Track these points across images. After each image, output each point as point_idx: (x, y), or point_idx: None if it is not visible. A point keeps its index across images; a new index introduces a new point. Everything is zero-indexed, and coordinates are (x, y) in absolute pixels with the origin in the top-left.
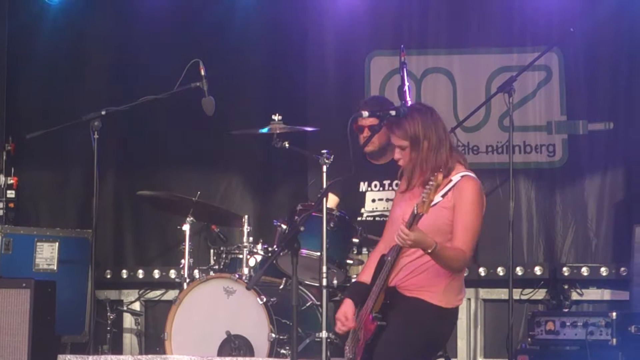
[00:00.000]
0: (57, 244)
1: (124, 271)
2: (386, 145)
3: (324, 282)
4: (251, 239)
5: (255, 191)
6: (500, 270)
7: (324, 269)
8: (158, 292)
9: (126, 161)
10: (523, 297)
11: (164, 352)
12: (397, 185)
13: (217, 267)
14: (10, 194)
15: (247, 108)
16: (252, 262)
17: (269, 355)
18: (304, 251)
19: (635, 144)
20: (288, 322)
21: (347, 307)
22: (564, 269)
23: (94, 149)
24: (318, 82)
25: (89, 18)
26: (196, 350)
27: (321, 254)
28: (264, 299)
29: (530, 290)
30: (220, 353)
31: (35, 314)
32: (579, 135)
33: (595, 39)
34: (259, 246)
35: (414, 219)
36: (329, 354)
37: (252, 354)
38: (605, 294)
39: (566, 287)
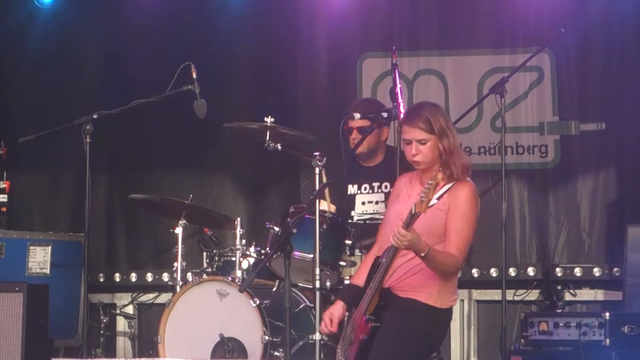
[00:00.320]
0: (49, 247)
1: (117, 274)
2: (376, 147)
3: (317, 284)
4: (244, 241)
5: (247, 194)
6: (494, 271)
7: (317, 271)
8: (151, 295)
9: (118, 165)
10: (516, 298)
11: (157, 356)
12: (386, 187)
13: (210, 269)
14: (3, 198)
15: (238, 110)
16: (245, 265)
17: (263, 358)
18: (296, 253)
19: (627, 144)
20: (281, 325)
21: (335, 310)
22: (557, 269)
23: (86, 152)
24: (310, 84)
25: (80, 21)
26: (190, 353)
27: (314, 256)
28: (257, 302)
29: (524, 291)
30: (213, 356)
31: (28, 318)
32: (571, 136)
33: (586, 40)
34: (252, 249)
35: (412, 218)
36: (322, 356)
37: (245, 356)
38: (599, 295)
39: (559, 287)
